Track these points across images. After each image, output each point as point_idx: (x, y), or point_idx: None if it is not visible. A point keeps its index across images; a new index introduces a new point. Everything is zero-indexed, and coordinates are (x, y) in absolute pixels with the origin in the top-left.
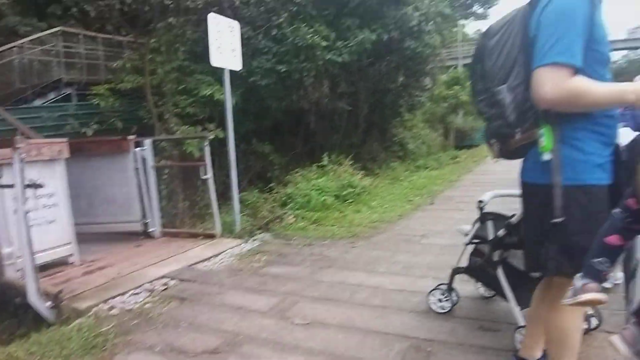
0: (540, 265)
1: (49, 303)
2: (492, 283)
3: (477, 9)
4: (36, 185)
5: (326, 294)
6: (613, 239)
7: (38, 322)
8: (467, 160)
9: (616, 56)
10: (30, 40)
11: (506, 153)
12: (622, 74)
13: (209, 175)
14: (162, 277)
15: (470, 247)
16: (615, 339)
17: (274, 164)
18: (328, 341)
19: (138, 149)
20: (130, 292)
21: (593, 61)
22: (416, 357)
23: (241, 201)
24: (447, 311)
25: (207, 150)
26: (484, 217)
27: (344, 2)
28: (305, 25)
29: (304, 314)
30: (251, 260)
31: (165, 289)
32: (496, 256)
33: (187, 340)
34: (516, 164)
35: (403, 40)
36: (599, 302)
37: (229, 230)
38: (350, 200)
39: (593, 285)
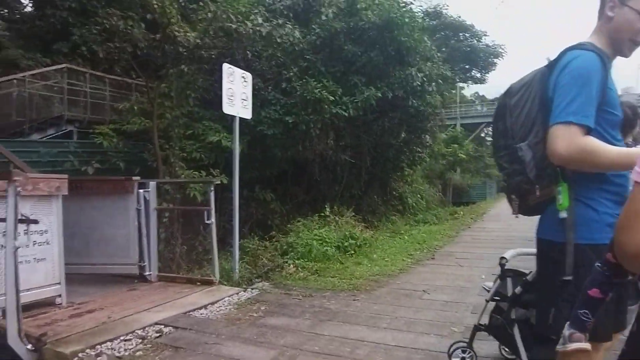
0: (549, 325)
1: (29, 346)
2: (508, 340)
3: (476, 73)
4: (30, 221)
5: (326, 349)
6: (594, 292)
7: None
8: (465, 216)
9: None
10: (32, 74)
11: (525, 209)
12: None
13: (213, 220)
14: (156, 323)
15: (491, 305)
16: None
17: (275, 212)
18: None
19: (142, 190)
20: (121, 338)
21: (605, 123)
22: None
23: (241, 248)
24: None
25: (212, 196)
26: (504, 274)
27: (352, 61)
28: (314, 80)
29: None
30: (250, 309)
31: (158, 336)
32: (513, 314)
33: None
34: (514, 223)
35: (407, 99)
36: (585, 350)
37: (227, 277)
38: (351, 252)
39: (579, 335)
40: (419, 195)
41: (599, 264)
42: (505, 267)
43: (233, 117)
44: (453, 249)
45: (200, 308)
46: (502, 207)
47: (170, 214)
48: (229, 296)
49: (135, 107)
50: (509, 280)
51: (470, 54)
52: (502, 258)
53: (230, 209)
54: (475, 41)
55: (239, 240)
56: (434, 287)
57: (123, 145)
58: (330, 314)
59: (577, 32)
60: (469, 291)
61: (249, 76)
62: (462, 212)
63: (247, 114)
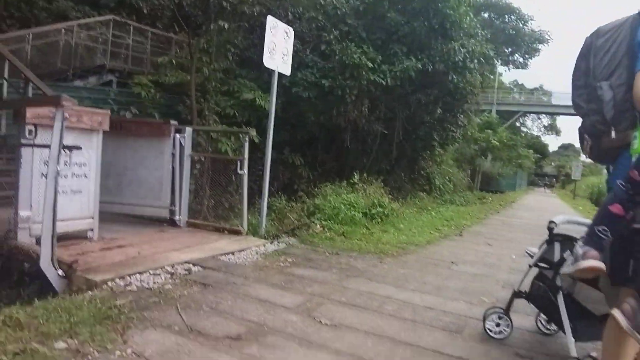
0: (630, 277)
1: (60, 272)
2: (551, 311)
3: (518, 58)
4: (73, 148)
5: (354, 300)
6: (615, 208)
7: (44, 293)
8: (493, 202)
9: None
10: (79, 25)
11: (597, 153)
12: None
13: (245, 171)
14: (185, 262)
15: (534, 272)
16: (616, 313)
17: (302, 177)
18: (356, 345)
19: (178, 135)
20: (150, 272)
21: None
22: None
23: (269, 206)
24: (504, 337)
25: (246, 146)
26: (552, 238)
27: (394, 30)
28: (354, 45)
29: (331, 316)
30: (277, 259)
31: (187, 274)
32: (559, 281)
33: (208, 324)
34: (547, 214)
35: (447, 74)
36: (599, 270)
37: (254, 231)
38: (378, 220)
39: (594, 252)
40: (446, 178)
41: (622, 182)
42: (554, 232)
43: (271, 72)
44: (482, 230)
45: (228, 254)
46: (534, 198)
47: (200, 167)
48: (256, 246)
49: (174, 61)
50: (556, 245)
51: (514, 37)
52: (551, 222)
53: (259, 168)
54: (521, 24)
55: (268, 199)
56: (463, 260)
57: (159, 96)
58: (357, 271)
59: None
60: (499, 268)
61: (291, 32)
62: (490, 199)
63: (287, 70)
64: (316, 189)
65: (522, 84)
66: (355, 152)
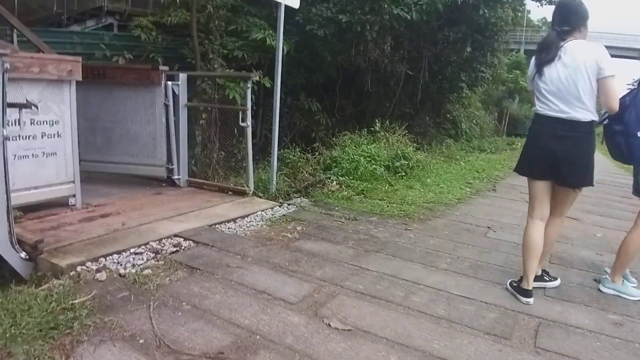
0: None
1: (23, 254)
2: None
3: None
4: (24, 105)
5: (374, 290)
6: None
7: (7, 280)
8: None
9: None
10: None
11: None
12: None
13: (248, 122)
14: (175, 235)
15: None
16: None
17: (319, 124)
18: None
19: (170, 82)
20: (132, 251)
21: None
22: None
23: (281, 159)
24: None
25: (248, 94)
26: None
27: None
28: None
29: (344, 314)
30: (284, 228)
31: (175, 252)
32: None
33: (184, 333)
34: None
35: (477, 7)
36: None
37: (263, 189)
38: (402, 174)
39: None
40: (473, 121)
41: None
42: None
43: (278, 4)
44: (516, 182)
45: (228, 221)
46: None
47: (207, 116)
48: (262, 210)
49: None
50: None
51: None
52: None
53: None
54: None
55: (280, 151)
56: (500, 224)
57: (162, 39)
58: (378, 243)
59: None
60: None
61: None
62: (519, 144)
63: (295, 2)
64: (334, 138)
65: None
66: (377, 95)
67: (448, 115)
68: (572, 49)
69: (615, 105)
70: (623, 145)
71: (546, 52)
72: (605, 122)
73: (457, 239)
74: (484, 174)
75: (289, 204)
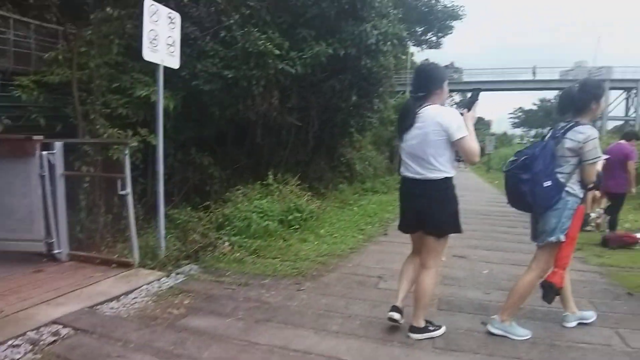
0: None
1: None
2: None
3: (431, 37)
4: None
5: None
6: None
7: None
8: None
9: (550, 95)
10: None
11: None
12: (553, 113)
13: (128, 190)
14: (54, 322)
15: None
16: None
17: (214, 177)
18: None
19: (45, 152)
20: (9, 343)
21: None
22: None
23: (171, 220)
24: None
25: (127, 161)
26: None
27: (300, 12)
28: (258, 30)
29: None
30: (170, 303)
31: (53, 342)
32: None
33: None
34: (464, 194)
35: (360, 58)
36: None
37: (152, 256)
38: (296, 227)
39: None
40: (366, 162)
41: None
42: None
43: (157, 66)
44: None
45: (111, 300)
46: None
47: (91, 179)
48: (147, 284)
49: (61, 57)
50: None
51: (427, 15)
52: None
53: (165, 173)
54: (434, 1)
55: (170, 211)
56: (390, 272)
57: (44, 99)
58: (270, 310)
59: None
60: None
61: (177, 17)
62: None
63: (174, 63)
64: (228, 193)
65: None
66: (270, 145)
67: (342, 159)
68: (425, 115)
69: (474, 160)
70: (528, 194)
71: (404, 119)
72: (509, 171)
73: (349, 295)
74: (375, 217)
75: (177, 273)
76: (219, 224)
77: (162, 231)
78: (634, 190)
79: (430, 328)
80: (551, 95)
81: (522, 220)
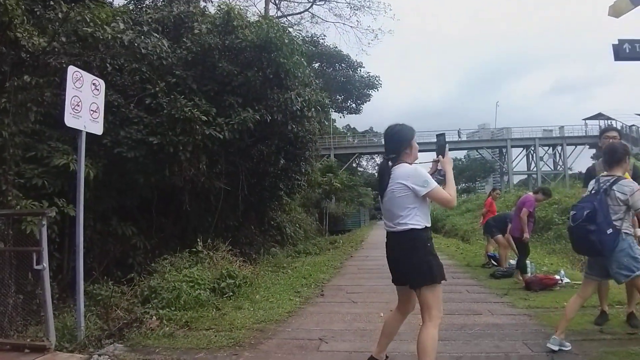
0: None
1: None
2: None
3: (351, 104)
4: None
5: None
6: None
7: None
8: (345, 245)
9: (459, 155)
10: None
11: None
12: (465, 171)
13: (45, 264)
14: None
15: None
16: None
17: (137, 249)
18: None
19: None
20: None
21: None
22: None
23: (90, 296)
24: None
25: (44, 232)
26: None
27: (227, 81)
28: (184, 97)
29: None
30: None
31: None
32: None
33: None
34: None
35: (286, 123)
36: None
37: (70, 337)
38: (229, 294)
39: None
40: (297, 225)
41: None
42: None
43: (79, 132)
44: (341, 282)
45: None
46: (377, 234)
47: (0, 255)
48: None
49: None
50: None
51: (346, 85)
52: None
53: (84, 246)
54: (351, 72)
55: (91, 286)
56: (332, 333)
57: None
58: None
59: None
60: (372, 335)
61: (101, 84)
62: (341, 241)
63: (97, 129)
64: (153, 264)
65: (354, 128)
66: (197, 211)
67: (272, 222)
68: (394, 175)
69: (450, 205)
70: (597, 242)
71: (381, 182)
72: (578, 224)
73: None
74: (311, 279)
75: (100, 355)
76: (145, 297)
77: (82, 308)
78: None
79: None
80: (460, 154)
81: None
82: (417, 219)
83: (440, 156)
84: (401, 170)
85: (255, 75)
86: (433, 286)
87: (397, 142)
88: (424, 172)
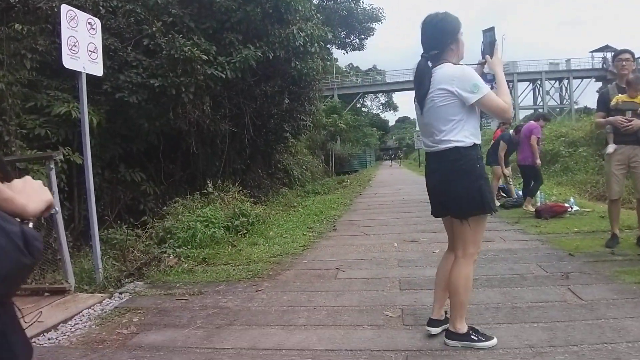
0: None
1: None
2: None
3: (354, 39)
4: None
5: None
6: None
7: None
8: (353, 184)
9: None
10: None
11: None
12: None
13: (57, 209)
14: None
15: None
16: None
17: (147, 195)
18: None
19: None
20: None
21: None
22: None
23: (106, 241)
24: None
25: (53, 176)
26: None
27: (225, 17)
28: (182, 37)
29: None
30: (118, 323)
31: None
32: None
33: None
34: (402, 187)
35: (289, 60)
36: None
37: (89, 280)
38: (243, 232)
39: None
40: (304, 167)
41: None
42: None
43: (78, 74)
44: (353, 217)
45: (48, 330)
46: (384, 173)
47: None
48: (88, 308)
49: None
50: None
51: (348, 18)
52: None
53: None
54: (353, 4)
55: (104, 232)
56: (348, 263)
57: None
58: (230, 315)
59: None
60: (387, 263)
61: (97, 22)
62: (349, 181)
63: (97, 70)
64: (165, 208)
65: (357, 67)
66: (204, 156)
67: (279, 165)
68: (435, 79)
69: (506, 116)
70: None
71: (420, 87)
72: None
73: (310, 289)
74: (322, 216)
75: (121, 292)
76: (160, 238)
77: (98, 250)
78: (539, 161)
79: (474, 337)
80: None
81: None
82: (464, 134)
83: (487, 56)
84: (444, 72)
85: (255, 10)
86: (481, 217)
87: (440, 35)
88: (474, 73)
